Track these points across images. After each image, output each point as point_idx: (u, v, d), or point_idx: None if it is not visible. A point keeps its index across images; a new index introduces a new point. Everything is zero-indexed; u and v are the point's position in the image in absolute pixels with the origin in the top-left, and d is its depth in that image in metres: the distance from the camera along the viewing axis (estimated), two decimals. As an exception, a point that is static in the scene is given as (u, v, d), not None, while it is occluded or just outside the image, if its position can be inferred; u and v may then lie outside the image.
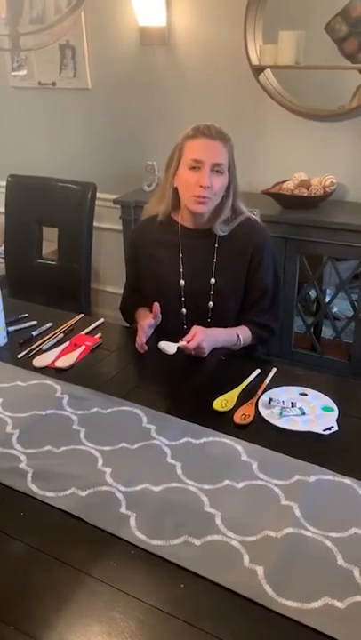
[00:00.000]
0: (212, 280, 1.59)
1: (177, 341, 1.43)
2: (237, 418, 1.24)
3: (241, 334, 1.57)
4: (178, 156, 1.51)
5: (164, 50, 2.68)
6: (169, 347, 1.40)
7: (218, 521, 0.99)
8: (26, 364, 1.48)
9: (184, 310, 1.62)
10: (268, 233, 1.64)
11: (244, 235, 1.58)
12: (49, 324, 1.66)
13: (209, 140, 1.47)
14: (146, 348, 1.50)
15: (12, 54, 3.03)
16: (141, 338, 1.50)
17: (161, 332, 1.56)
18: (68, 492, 1.05)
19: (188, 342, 1.42)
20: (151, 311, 1.56)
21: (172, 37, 2.64)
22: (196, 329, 1.46)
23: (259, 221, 1.65)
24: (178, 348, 1.41)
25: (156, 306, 1.50)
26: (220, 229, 1.57)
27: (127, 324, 1.76)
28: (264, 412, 1.26)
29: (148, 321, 1.52)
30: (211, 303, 1.60)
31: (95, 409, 1.29)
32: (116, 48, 2.79)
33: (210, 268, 1.59)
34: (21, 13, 2.88)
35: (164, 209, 1.60)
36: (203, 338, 1.44)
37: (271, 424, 1.23)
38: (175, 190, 1.55)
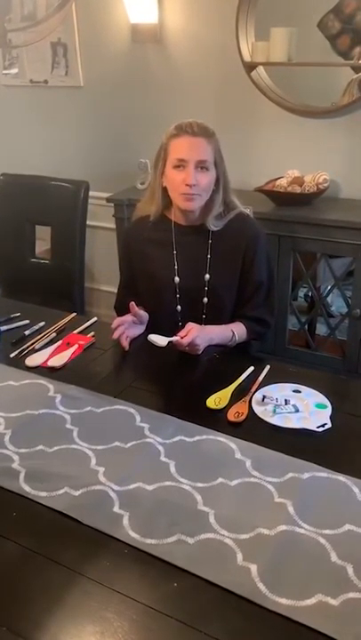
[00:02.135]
0: (207, 276, 1.59)
1: (171, 337, 1.42)
2: (231, 415, 1.24)
3: (236, 330, 1.56)
4: (163, 155, 1.52)
5: (156, 47, 2.67)
6: (159, 339, 1.40)
7: (211, 519, 0.98)
8: (18, 363, 1.47)
9: (179, 307, 1.62)
10: (261, 227, 1.64)
11: (237, 230, 1.58)
12: (41, 324, 1.65)
13: (192, 138, 1.47)
14: (125, 343, 1.51)
15: (2, 52, 3.02)
16: (115, 334, 1.50)
17: (156, 330, 1.56)
18: (61, 491, 1.04)
19: (182, 338, 1.42)
20: (145, 309, 1.56)
21: (164, 34, 2.63)
22: (190, 325, 1.46)
23: (251, 216, 1.65)
24: (170, 342, 1.41)
25: (132, 305, 1.51)
26: (213, 224, 1.57)
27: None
28: (258, 410, 1.26)
29: (124, 318, 1.52)
30: (205, 299, 1.60)
31: (88, 408, 1.29)
32: (107, 46, 2.78)
33: (204, 264, 1.59)
34: (9, 10, 2.87)
35: (155, 209, 1.60)
36: (197, 334, 1.43)
37: (265, 421, 1.23)
38: (165, 189, 1.55)
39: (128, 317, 1.53)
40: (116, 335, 1.50)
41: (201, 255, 1.59)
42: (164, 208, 1.60)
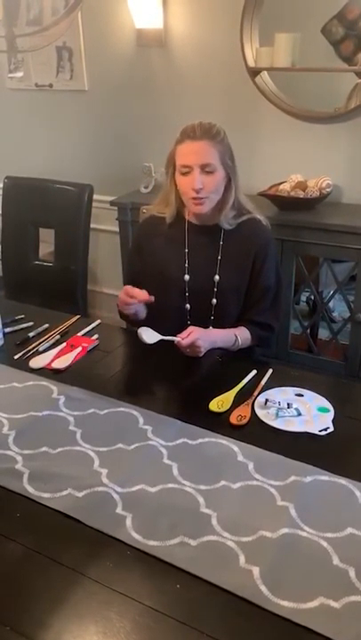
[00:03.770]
0: (216, 277, 1.60)
1: (165, 336, 1.44)
2: (234, 419, 1.24)
3: (239, 335, 1.57)
4: (173, 162, 1.54)
5: (160, 52, 2.68)
6: (147, 336, 1.42)
7: (214, 521, 0.99)
8: (22, 365, 1.48)
9: (188, 306, 1.63)
10: (271, 233, 1.65)
11: (248, 234, 1.60)
12: (45, 326, 1.66)
13: (194, 142, 1.48)
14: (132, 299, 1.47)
15: (8, 56, 3.03)
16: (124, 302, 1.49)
17: (164, 328, 1.57)
18: (65, 492, 1.05)
19: (182, 339, 1.43)
20: (154, 307, 1.56)
21: (169, 39, 2.65)
22: (192, 328, 1.47)
23: (263, 222, 1.66)
24: (161, 341, 1.42)
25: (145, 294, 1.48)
26: (227, 223, 1.58)
27: (123, 322, 1.75)
28: (260, 413, 1.26)
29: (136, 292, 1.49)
30: (214, 300, 1.61)
31: (91, 410, 1.29)
32: (112, 50, 2.79)
33: (214, 265, 1.60)
34: (17, 15, 2.88)
35: (170, 212, 1.61)
36: (198, 336, 1.44)
37: (267, 425, 1.23)
38: (178, 192, 1.57)
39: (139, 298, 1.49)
40: (126, 303, 1.49)
41: (211, 256, 1.60)
42: (179, 209, 1.62)
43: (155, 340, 1.43)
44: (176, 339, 1.43)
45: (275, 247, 1.65)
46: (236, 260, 1.59)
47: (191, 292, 1.62)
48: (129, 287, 1.50)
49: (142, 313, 1.60)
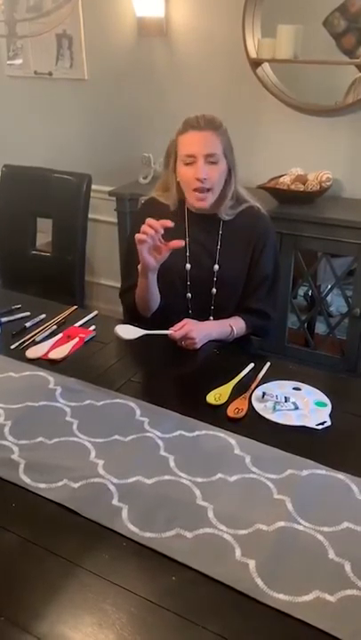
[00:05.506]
0: (216, 267, 1.59)
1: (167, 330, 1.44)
2: (231, 412, 1.24)
3: (234, 325, 1.57)
4: (174, 152, 1.52)
5: (161, 41, 2.66)
6: (126, 332, 1.42)
7: (210, 514, 0.98)
8: (19, 355, 1.47)
9: (189, 295, 1.62)
10: (271, 222, 1.65)
11: (247, 223, 1.59)
12: (42, 316, 1.65)
13: (198, 132, 1.47)
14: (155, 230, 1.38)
15: (7, 43, 3.00)
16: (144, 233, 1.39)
17: (166, 317, 1.56)
18: (61, 483, 1.05)
19: (175, 331, 1.43)
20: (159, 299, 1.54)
21: (170, 29, 2.62)
22: (185, 320, 1.47)
23: (262, 210, 1.65)
24: (145, 336, 1.41)
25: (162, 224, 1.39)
26: (226, 214, 1.58)
27: (120, 313, 1.73)
28: (258, 407, 1.26)
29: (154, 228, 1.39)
30: (214, 290, 1.60)
31: (88, 401, 1.29)
32: (113, 39, 2.77)
33: (213, 254, 1.60)
34: (18, 0, 2.85)
35: (173, 201, 1.60)
36: (192, 328, 1.44)
37: (265, 418, 1.23)
38: (179, 183, 1.56)
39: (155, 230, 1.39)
40: (143, 235, 1.39)
41: (211, 245, 1.60)
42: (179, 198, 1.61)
43: (136, 336, 1.43)
44: (168, 332, 1.43)
45: (274, 235, 1.65)
46: (235, 249, 1.59)
47: (192, 281, 1.61)
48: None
49: (155, 300, 1.58)
